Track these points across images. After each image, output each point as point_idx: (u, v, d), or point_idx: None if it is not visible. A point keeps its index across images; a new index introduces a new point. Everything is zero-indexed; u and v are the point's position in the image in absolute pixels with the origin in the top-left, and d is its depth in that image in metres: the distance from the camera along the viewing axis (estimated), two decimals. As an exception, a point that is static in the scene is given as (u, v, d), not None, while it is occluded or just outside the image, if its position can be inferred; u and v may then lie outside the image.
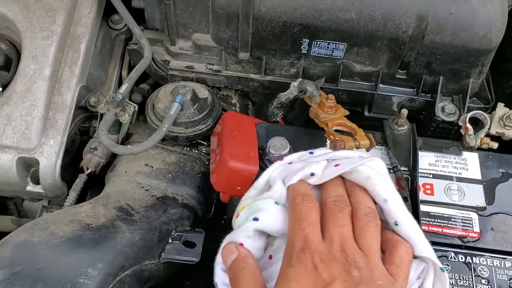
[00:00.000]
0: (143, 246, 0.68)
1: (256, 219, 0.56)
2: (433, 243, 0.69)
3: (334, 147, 0.65)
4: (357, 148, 0.66)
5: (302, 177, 0.58)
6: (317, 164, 0.59)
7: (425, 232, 0.69)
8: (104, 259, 0.62)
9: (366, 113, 0.89)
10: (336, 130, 0.71)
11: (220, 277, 0.57)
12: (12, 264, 0.60)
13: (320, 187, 0.59)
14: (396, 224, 0.55)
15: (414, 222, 0.56)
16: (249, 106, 0.97)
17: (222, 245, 0.57)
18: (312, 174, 0.58)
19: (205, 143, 0.86)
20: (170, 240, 0.73)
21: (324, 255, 0.51)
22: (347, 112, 0.74)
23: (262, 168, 0.72)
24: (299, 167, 0.59)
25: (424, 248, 0.55)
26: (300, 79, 0.80)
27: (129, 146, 0.75)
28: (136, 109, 0.81)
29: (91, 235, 0.65)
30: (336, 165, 0.58)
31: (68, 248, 0.62)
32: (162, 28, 0.86)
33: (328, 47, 0.81)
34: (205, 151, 0.85)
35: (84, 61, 0.81)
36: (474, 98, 0.87)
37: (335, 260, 0.51)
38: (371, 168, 0.57)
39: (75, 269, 0.60)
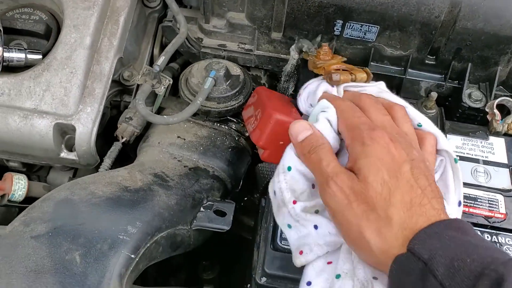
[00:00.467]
0: (178, 211, 0.70)
1: (324, 111, 0.63)
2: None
3: (330, 79, 0.68)
4: (354, 81, 0.69)
5: (324, 89, 0.67)
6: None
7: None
8: (143, 218, 0.64)
9: (394, 97, 0.90)
10: None
11: (294, 162, 0.61)
12: (55, 218, 0.62)
13: None
14: (420, 125, 0.64)
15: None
16: (277, 87, 0.98)
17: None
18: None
19: (235, 120, 0.88)
20: (202, 209, 0.75)
21: (390, 134, 0.56)
22: (345, 58, 0.76)
23: None
24: (316, 84, 0.69)
25: (445, 141, 0.63)
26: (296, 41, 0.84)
27: (165, 116, 0.77)
28: (171, 82, 0.83)
29: (129, 196, 0.66)
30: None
31: (107, 207, 0.64)
32: (197, 6, 0.89)
33: (361, 29, 0.83)
34: (234, 128, 0.87)
35: (122, 34, 0.84)
36: (501, 87, 0.88)
37: (398, 140, 0.56)
38: (379, 87, 0.68)
39: (115, 226, 0.62)
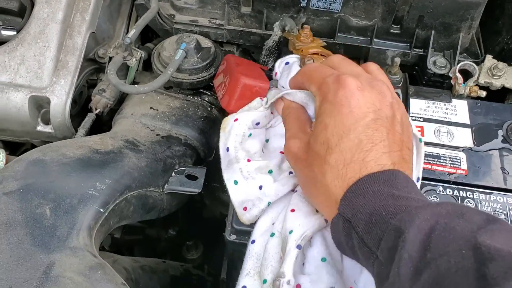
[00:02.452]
0: (148, 173, 0.72)
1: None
2: (423, 179, 0.73)
3: (303, 64, 0.71)
4: None
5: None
6: None
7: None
8: (112, 176, 0.66)
9: (362, 67, 0.93)
10: None
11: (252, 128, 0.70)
12: (26, 176, 0.64)
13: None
14: None
15: None
16: (259, 61, 1.01)
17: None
18: None
19: (208, 93, 0.90)
20: (173, 174, 0.77)
21: (361, 81, 0.56)
22: (324, 43, 0.79)
23: None
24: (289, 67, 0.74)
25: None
26: (281, 18, 0.86)
27: (136, 85, 0.79)
28: (143, 55, 0.85)
29: (99, 157, 0.69)
30: None
31: (78, 166, 0.66)
32: (169, -17, 0.91)
33: (326, 0, 0.85)
34: (207, 100, 0.89)
35: (94, 9, 0.86)
36: (465, 54, 0.91)
37: (368, 87, 0.56)
38: None
39: (84, 183, 0.64)
